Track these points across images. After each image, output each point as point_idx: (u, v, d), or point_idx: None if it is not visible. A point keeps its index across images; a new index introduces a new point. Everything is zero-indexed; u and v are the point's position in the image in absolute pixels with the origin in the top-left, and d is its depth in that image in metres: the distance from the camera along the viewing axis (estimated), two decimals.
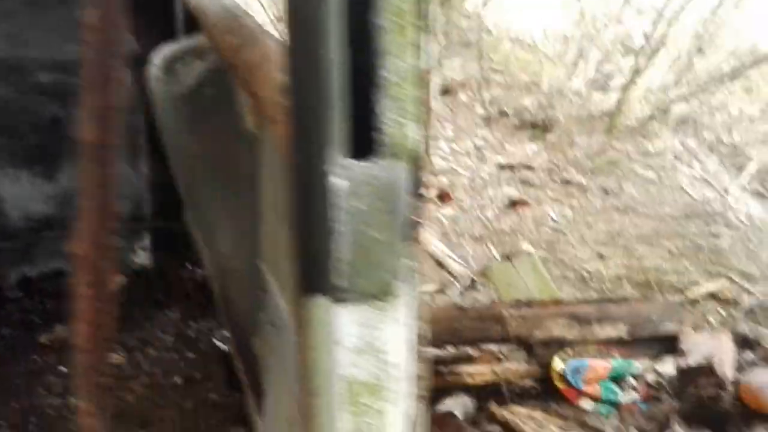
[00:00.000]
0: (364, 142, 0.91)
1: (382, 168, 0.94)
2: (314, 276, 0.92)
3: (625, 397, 3.85)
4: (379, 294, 0.98)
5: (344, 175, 0.89)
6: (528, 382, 4.09)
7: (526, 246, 4.75)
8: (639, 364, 3.98)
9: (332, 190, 0.88)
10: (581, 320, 4.11)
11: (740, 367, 4.18)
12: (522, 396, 4.01)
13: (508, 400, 3.88)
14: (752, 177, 7.11)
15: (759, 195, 7.01)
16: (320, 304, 0.94)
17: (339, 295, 0.95)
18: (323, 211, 0.88)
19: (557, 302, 4.26)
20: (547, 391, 3.95)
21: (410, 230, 1.03)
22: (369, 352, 1.02)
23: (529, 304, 4.28)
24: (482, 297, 5.07)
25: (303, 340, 0.96)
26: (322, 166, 0.87)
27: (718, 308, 4.75)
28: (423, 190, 1.12)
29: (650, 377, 4.22)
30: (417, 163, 1.02)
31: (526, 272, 4.52)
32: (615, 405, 3.83)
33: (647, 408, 3.82)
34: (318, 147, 0.86)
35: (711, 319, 4.66)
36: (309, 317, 0.95)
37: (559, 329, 4.06)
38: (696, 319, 4.67)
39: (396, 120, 0.91)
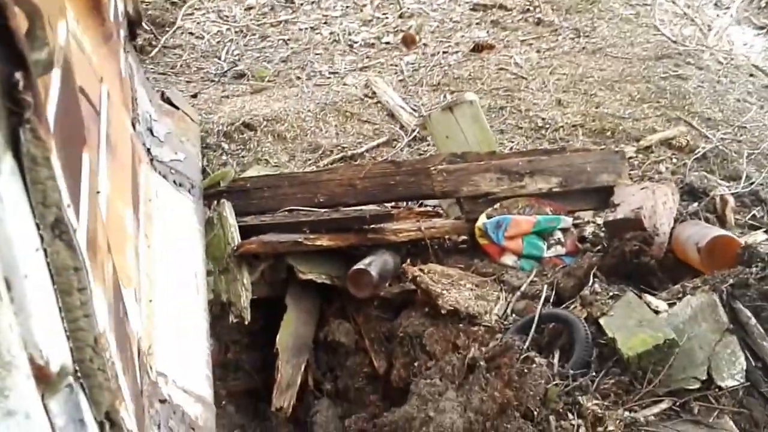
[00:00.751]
0: None
1: None
2: None
3: (550, 251, 3.77)
4: None
5: None
6: (456, 241, 4.02)
7: (469, 94, 4.50)
8: (568, 218, 3.87)
9: None
10: (512, 174, 3.96)
11: (683, 219, 4.04)
12: (449, 253, 3.95)
13: (431, 257, 3.83)
14: (748, 7, 6.59)
15: (755, 27, 6.52)
16: None
17: None
18: None
19: (490, 155, 4.09)
20: (473, 249, 3.88)
21: None
22: None
23: (463, 157, 4.13)
24: (431, 149, 4.91)
25: None
26: None
27: (672, 156, 4.54)
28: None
29: (589, 230, 4.12)
30: None
31: (466, 123, 4.30)
32: (539, 260, 3.76)
33: (573, 262, 3.74)
34: None
35: (662, 167, 4.47)
36: None
37: (486, 184, 3.93)
38: (646, 168, 4.48)
39: None
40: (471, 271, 3.70)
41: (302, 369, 3.52)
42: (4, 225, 1.08)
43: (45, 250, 1.22)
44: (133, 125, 3.97)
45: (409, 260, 3.68)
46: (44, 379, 1.29)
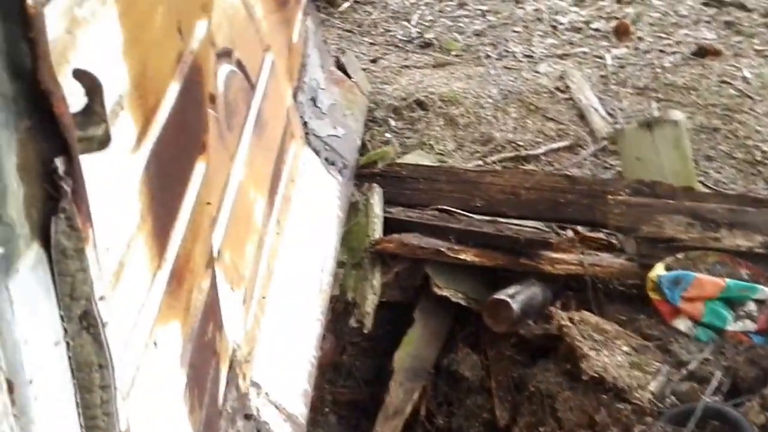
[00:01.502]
0: None
1: None
2: None
3: (736, 325, 3.09)
4: None
5: None
6: (625, 284, 3.43)
7: (675, 113, 3.80)
8: (767, 288, 3.14)
9: None
10: (706, 221, 3.28)
11: None
12: (613, 298, 3.38)
13: (590, 300, 3.29)
14: None
15: None
16: None
17: None
18: None
19: (684, 192, 3.42)
20: (642, 300, 3.28)
21: None
22: None
23: (651, 187, 3.50)
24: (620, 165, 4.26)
25: None
26: None
27: None
28: None
29: None
30: None
31: (664, 146, 3.63)
32: (720, 332, 3.10)
33: (764, 344, 3.05)
34: None
35: None
36: None
37: (673, 227, 3.28)
38: None
39: None
40: (632, 328, 3.13)
41: (415, 396, 3.17)
42: (12, 329, 0.99)
43: (68, 344, 1.13)
44: (295, 95, 3.74)
45: (561, 301, 3.18)
46: None
